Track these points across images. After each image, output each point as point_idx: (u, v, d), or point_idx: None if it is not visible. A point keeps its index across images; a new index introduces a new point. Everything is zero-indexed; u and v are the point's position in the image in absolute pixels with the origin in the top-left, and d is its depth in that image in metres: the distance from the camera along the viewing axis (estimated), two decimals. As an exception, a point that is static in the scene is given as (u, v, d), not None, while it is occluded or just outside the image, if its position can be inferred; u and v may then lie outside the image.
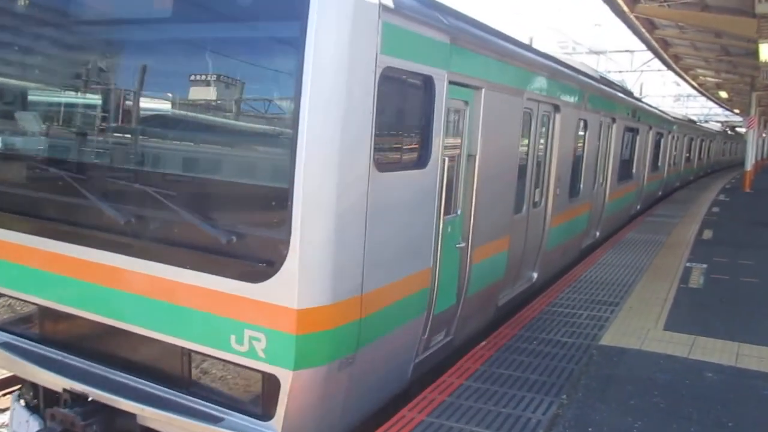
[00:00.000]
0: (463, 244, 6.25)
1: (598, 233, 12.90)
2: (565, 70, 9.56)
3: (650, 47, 23.78)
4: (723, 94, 38.13)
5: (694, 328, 7.41)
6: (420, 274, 5.36)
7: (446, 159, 5.52)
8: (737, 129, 63.31)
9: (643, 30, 20.02)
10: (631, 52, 37.16)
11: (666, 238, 13.77)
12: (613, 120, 12.81)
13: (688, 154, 29.66)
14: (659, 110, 22.51)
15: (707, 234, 14.67)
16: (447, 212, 5.86)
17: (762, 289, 9.54)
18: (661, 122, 20.40)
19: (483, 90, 6.23)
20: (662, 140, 20.81)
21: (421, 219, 5.35)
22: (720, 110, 59.12)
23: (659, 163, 20.96)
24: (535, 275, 9.01)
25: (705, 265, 10.96)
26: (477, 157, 6.26)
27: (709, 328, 7.42)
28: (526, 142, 7.96)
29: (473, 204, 6.29)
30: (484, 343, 6.66)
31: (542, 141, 8.57)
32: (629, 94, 16.89)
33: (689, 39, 22.02)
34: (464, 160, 6.20)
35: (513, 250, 7.66)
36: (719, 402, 5.47)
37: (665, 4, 17.02)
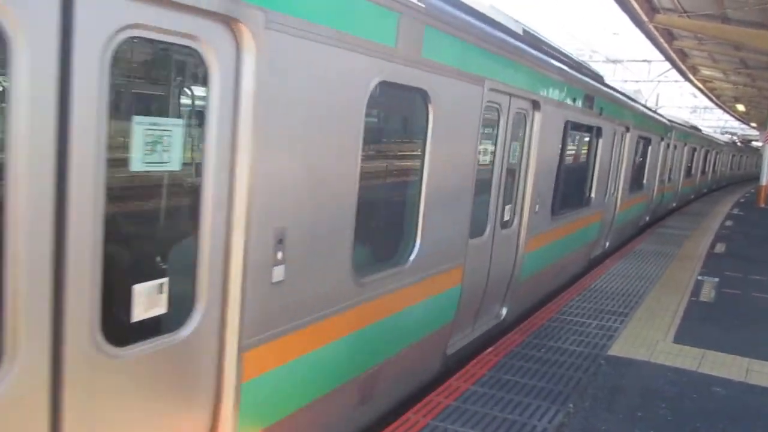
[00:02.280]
0: None
1: (504, 310, 7.51)
2: None
3: (668, 58, 23.68)
4: (740, 107, 37.90)
5: (704, 341, 7.35)
6: None
7: None
8: (753, 143, 62.88)
9: (662, 40, 19.94)
10: (649, 62, 37.05)
11: (678, 251, 13.67)
12: (536, 105, 7.28)
13: (689, 166, 25.09)
14: (646, 107, 17.28)
15: (720, 248, 14.55)
16: None
17: (774, 305, 9.46)
18: (650, 124, 15.45)
19: None
20: (650, 148, 15.96)
21: None
22: (736, 123, 58.77)
23: (645, 180, 16.08)
24: None
25: (717, 279, 10.87)
26: None
27: (719, 343, 7.35)
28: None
29: None
30: (491, 349, 6.65)
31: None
32: (595, 77, 10.98)
33: (708, 51, 21.90)
34: None
35: None
36: (727, 417, 5.42)
37: (685, 14, 16.92)
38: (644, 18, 16.91)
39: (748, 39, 16.76)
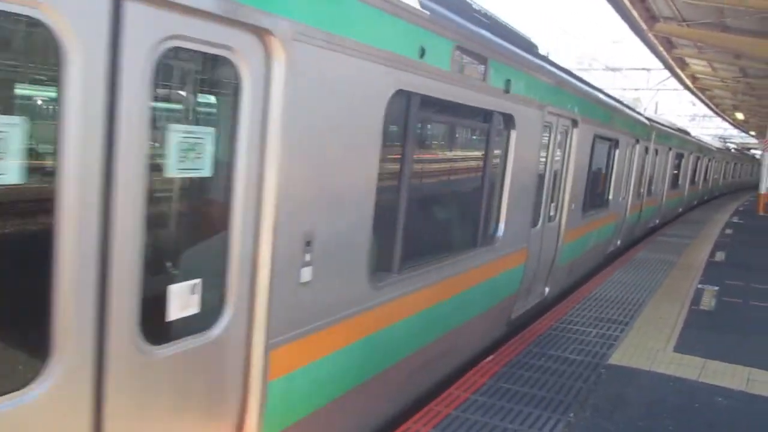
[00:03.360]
0: None
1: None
2: None
3: (667, 66, 23.74)
4: (739, 116, 37.96)
5: (705, 350, 7.32)
6: None
7: None
8: (752, 150, 63.01)
9: (661, 48, 19.99)
10: (648, 70, 37.12)
11: (678, 259, 13.66)
12: (267, 43, 3.22)
13: (675, 175, 21.64)
14: (615, 99, 13.11)
15: (720, 256, 14.53)
16: None
17: (774, 314, 9.43)
18: (616, 120, 11.65)
19: None
20: (619, 152, 12.15)
21: None
22: (735, 131, 58.89)
23: (611, 195, 12.22)
24: None
25: (717, 288, 10.84)
26: None
27: (720, 352, 7.32)
28: None
29: None
30: (491, 357, 6.62)
31: None
32: (530, 49, 7.42)
33: (707, 59, 21.96)
34: None
35: None
36: (729, 427, 5.39)
37: (684, 23, 16.96)
38: (644, 26, 16.96)
39: (747, 47, 16.82)
